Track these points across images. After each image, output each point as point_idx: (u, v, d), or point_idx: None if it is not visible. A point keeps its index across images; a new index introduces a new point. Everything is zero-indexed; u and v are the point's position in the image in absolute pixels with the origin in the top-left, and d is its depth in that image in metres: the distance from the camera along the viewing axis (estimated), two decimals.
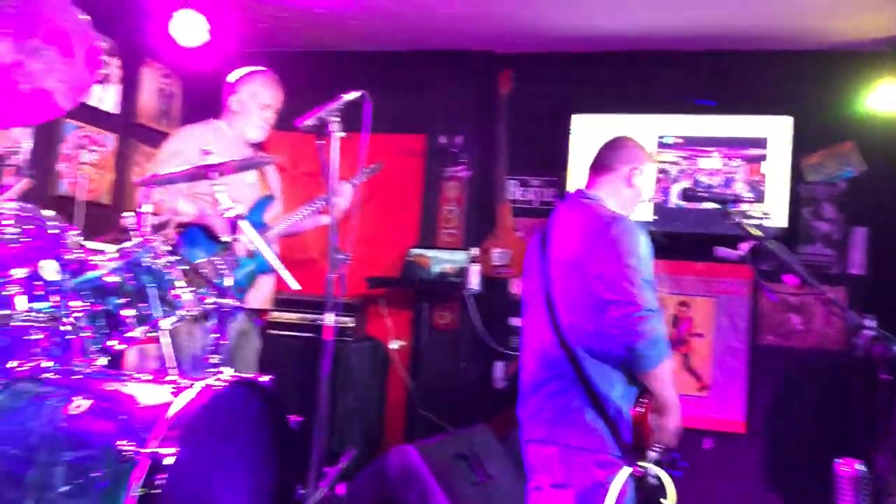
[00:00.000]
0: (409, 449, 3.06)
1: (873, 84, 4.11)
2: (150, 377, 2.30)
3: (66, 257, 1.99)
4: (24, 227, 1.86)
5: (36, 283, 1.88)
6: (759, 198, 4.15)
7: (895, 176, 4.15)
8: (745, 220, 2.54)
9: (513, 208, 4.60)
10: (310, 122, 2.50)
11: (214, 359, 2.38)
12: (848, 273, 4.21)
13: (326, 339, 2.48)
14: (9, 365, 1.97)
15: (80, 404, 1.99)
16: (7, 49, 1.65)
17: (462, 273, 4.41)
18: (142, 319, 2.27)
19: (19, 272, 1.84)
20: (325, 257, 2.42)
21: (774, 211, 4.13)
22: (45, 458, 2.01)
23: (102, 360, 2.28)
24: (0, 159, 2.94)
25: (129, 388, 2.13)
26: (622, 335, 2.15)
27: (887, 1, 3.71)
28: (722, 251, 2.70)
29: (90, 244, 2.29)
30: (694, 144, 4.31)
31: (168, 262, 2.32)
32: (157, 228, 2.41)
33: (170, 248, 2.37)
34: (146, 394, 2.08)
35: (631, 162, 2.47)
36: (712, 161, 4.28)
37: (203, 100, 4.15)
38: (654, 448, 2.31)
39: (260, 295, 3.41)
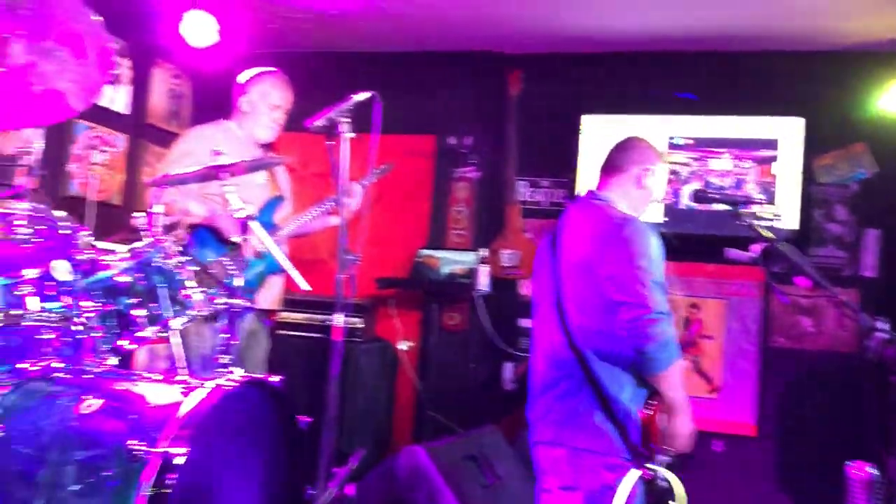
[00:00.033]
0: (418, 450, 3.06)
1: (886, 85, 4.09)
2: (161, 377, 2.31)
3: (78, 258, 2.00)
4: (36, 227, 1.87)
5: (48, 283, 1.89)
6: (771, 199, 4.13)
7: None
8: (757, 222, 2.53)
9: (522, 209, 4.60)
10: (320, 122, 2.50)
11: (224, 359, 2.38)
12: (860, 275, 4.18)
13: (336, 340, 2.48)
14: (20, 365, 1.97)
15: (92, 404, 2.00)
16: (21, 50, 1.66)
17: (471, 274, 4.41)
18: (152, 319, 2.28)
19: (31, 272, 1.85)
20: (335, 258, 2.42)
21: (786, 213, 4.11)
22: (56, 457, 2.02)
23: (113, 360, 2.29)
24: (12, 160, 2.96)
25: (140, 388, 2.13)
26: (632, 337, 2.15)
27: None
28: (733, 253, 2.69)
29: (101, 244, 2.30)
30: (704, 145, 4.30)
31: (179, 263, 2.33)
32: (168, 229, 2.41)
33: (180, 249, 2.37)
34: (157, 393, 2.09)
35: (642, 163, 2.46)
36: (723, 162, 4.26)
37: (213, 100, 4.16)
38: (663, 451, 2.30)
39: (269, 295, 3.41)
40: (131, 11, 4.20)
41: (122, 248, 2.31)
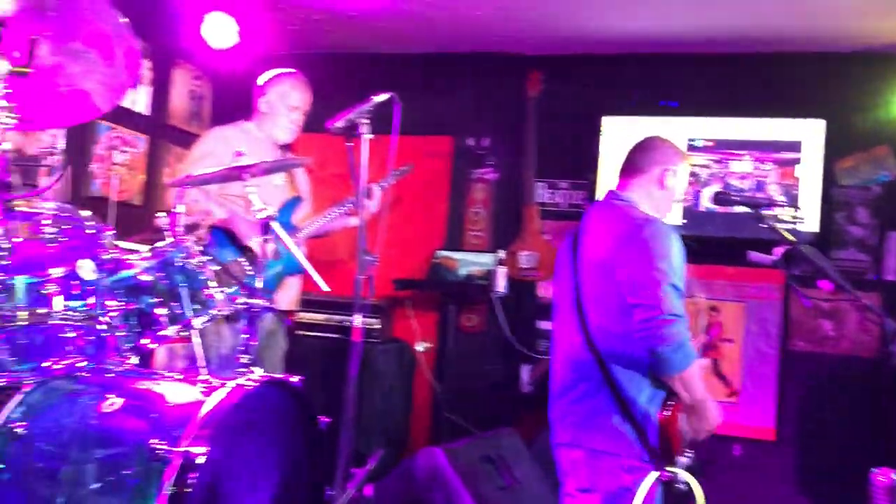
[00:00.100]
0: (436, 451, 3.06)
1: None
2: (182, 376, 2.32)
3: (103, 257, 2.01)
4: (62, 227, 1.89)
5: (73, 282, 1.91)
6: (793, 202, 4.09)
7: None
8: (779, 225, 2.51)
9: (540, 211, 4.59)
10: (340, 123, 2.52)
11: (244, 358, 2.39)
12: (882, 279, 4.14)
13: (355, 341, 2.49)
14: (44, 363, 1.99)
15: (114, 402, 2.02)
16: (48, 51, 1.67)
17: (489, 276, 4.40)
18: (174, 318, 2.29)
19: (57, 271, 1.86)
20: (353, 259, 2.43)
21: (806, 215, 4.08)
22: (77, 455, 2.04)
23: (134, 359, 2.31)
24: (35, 160, 2.99)
25: (161, 387, 2.15)
26: (645, 339, 2.14)
27: None
28: (755, 255, 2.67)
29: (123, 244, 2.32)
30: (725, 147, 4.27)
31: (200, 262, 2.34)
32: (190, 229, 2.43)
33: (202, 248, 2.39)
34: (178, 393, 2.10)
35: (663, 163, 2.44)
36: (743, 164, 4.24)
37: (233, 101, 4.19)
38: (683, 453, 2.28)
39: (287, 296, 3.43)
40: (152, 13, 4.23)
41: (144, 248, 2.32)
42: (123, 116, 4.17)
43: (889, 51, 4.13)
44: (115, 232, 2.16)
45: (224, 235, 3.20)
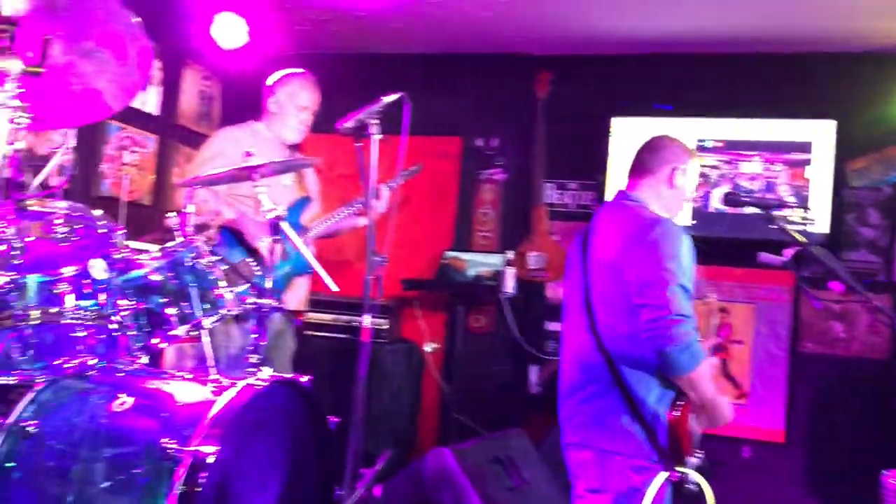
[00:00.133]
0: (444, 451, 3.05)
1: None
2: (192, 376, 2.32)
3: (114, 256, 2.02)
4: (74, 226, 1.90)
5: (84, 281, 1.91)
6: (803, 203, 4.08)
7: None
8: (789, 226, 2.50)
9: (549, 212, 4.58)
10: (350, 124, 2.52)
11: (253, 358, 2.39)
12: (894, 280, 4.11)
13: (363, 341, 2.49)
14: (56, 361, 2.00)
15: (125, 401, 2.02)
16: (60, 50, 1.68)
17: (497, 276, 4.40)
18: (183, 318, 2.30)
19: (69, 270, 1.87)
20: (361, 259, 2.43)
21: (817, 216, 4.06)
22: (87, 454, 2.04)
23: (144, 359, 2.32)
24: (45, 160, 3.00)
25: (172, 387, 2.15)
26: (652, 339, 2.12)
27: None
28: (765, 256, 2.66)
29: (133, 244, 2.32)
30: (734, 148, 4.26)
31: (210, 262, 2.35)
32: (199, 229, 2.43)
33: (211, 248, 2.39)
34: (188, 392, 2.11)
35: (672, 162, 2.42)
36: (753, 165, 4.22)
37: (242, 102, 4.20)
38: (693, 454, 2.28)
39: (296, 296, 3.43)
40: (162, 13, 4.24)
41: (154, 248, 2.33)
42: (133, 116, 4.18)
43: None
44: (125, 232, 2.16)
45: (232, 236, 3.20)
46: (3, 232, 1.57)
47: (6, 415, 2.01)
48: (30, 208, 1.86)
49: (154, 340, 2.27)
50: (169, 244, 2.31)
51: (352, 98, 2.78)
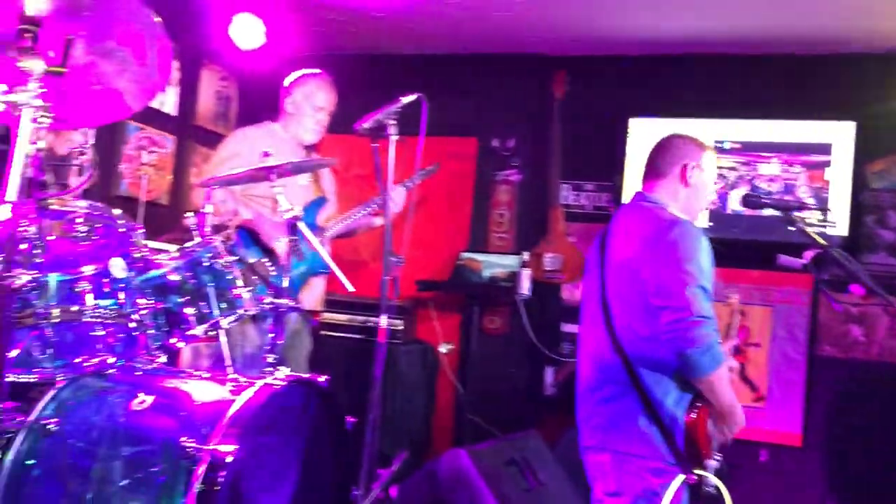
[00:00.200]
0: (460, 453, 3.05)
1: None
2: (210, 375, 2.33)
3: (133, 256, 2.03)
4: (94, 225, 1.91)
5: (103, 280, 1.92)
6: (823, 205, 4.04)
7: None
8: (809, 228, 2.47)
9: (565, 213, 4.56)
10: (368, 124, 2.53)
11: (270, 358, 2.40)
12: None
13: (380, 341, 2.49)
14: (76, 360, 2.01)
15: (145, 400, 2.03)
16: (82, 50, 1.69)
17: (513, 277, 4.39)
18: (201, 318, 2.31)
19: (89, 269, 1.88)
20: (376, 260, 2.44)
21: (836, 218, 4.03)
22: (106, 453, 2.05)
23: (163, 358, 2.33)
24: (65, 159, 3.03)
25: (190, 386, 2.16)
26: (673, 341, 2.11)
27: None
28: (785, 259, 2.64)
29: (152, 244, 2.33)
30: (753, 150, 4.23)
31: (228, 262, 2.35)
32: (217, 229, 2.44)
33: (229, 248, 2.40)
34: (207, 391, 2.12)
35: (683, 160, 2.39)
36: (771, 167, 4.19)
37: (259, 102, 4.21)
38: (712, 456, 2.26)
39: (311, 296, 3.44)
40: (181, 14, 4.26)
41: (172, 248, 2.34)
42: (152, 117, 4.21)
43: None
44: (144, 231, 2.17)
45: (249, 236, 3.22)
46: (25, 231, 1.58)
47: (27, 413, 2.03)
48: (51, 207, 1.87)
49: (172, 340, 2.28)
50: (187, 244, 2.32)
51: (368, 99, 2.78)
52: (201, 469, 1.86)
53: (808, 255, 2.56)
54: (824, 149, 4.11)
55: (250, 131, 3.42)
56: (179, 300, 2.27)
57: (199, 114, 4.64)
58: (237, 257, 2.42)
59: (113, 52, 1.71)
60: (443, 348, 4.61)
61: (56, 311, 1.85)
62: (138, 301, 2.06)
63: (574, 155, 4.52)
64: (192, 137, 4.57)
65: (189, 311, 2.26)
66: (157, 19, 1.68)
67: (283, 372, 2.27)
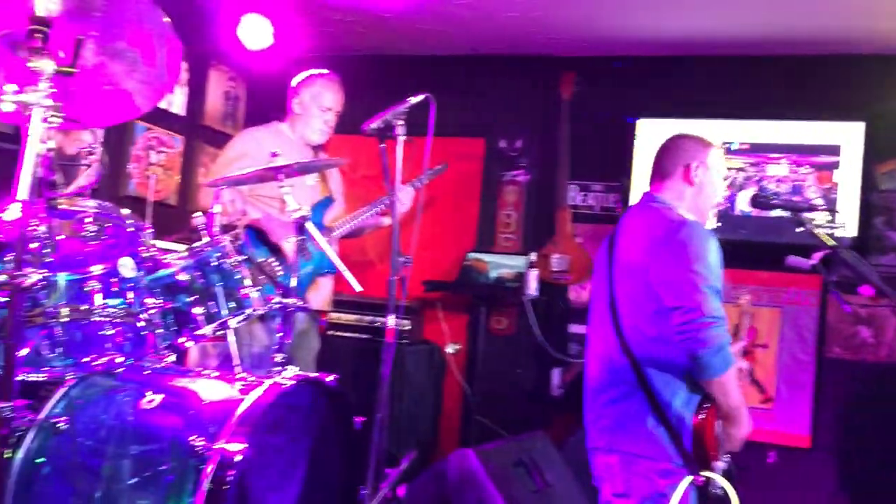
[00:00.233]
0: (468, 453, 3.05)
1: None
2: (218, 374, 2.34)
3: (142, 255, 2.04)
4: (103, 225, 1.92)
5: (112, 279, 1.93)
6: (832, 206, 4.03)
7: None
8: (818, 229, 2.46)
9: (573, 214, 4.56)
10: (375, 124, 2.53)
11: (278, 357, 2.40)
12: None
13: (388, 342, 2.49)
14: (85, 359, 2.02)
15: (153, 399, 2.04)
16: (92, 51, 1.70)
17: (520, 278, 4.38)
18: (210, 317, 2.31)
19: (98, 269, 1.89)
20: (383, 260, 2.45)
21: (845, 220, 4.01)
22: (115, 451, 2.06)
23: (171, 357, 2.34)
24: (74, 159, 3.04)
25: (199, 385, 2.17)
26: (684, 342, 2.10)
27: None
28: (793, 260, 2.63)
29: (160, 244, 2.34)
30: (761, 151, 4.22)
31: (236, 262, 2.36)
32: (226, 229, 2.45)
33: (238, 248, 2.40)
34: (215, 390, 2.12)
35: (686, 159, 2.38)
36: (780, 168, 4.18)
37: (267, 103, 4.23)
38: (720, 458, 2.25)
39: (319, 296, 3.44)
40: (189, 15, 4.28)
41: (180, 248, 2.35)
42: (160, 117, 4.22)
43: None
44: (153, 231, 2.18)
45: (256, 236, 3.22)
46: (35, 230, 1.58)
47: (37, 411, 2.04)
48: (60, 207, 1.88)
49: (181, 339, 2.29)
50: (196, 244, 2.33)
51: (375, 99, 2.79)
52: (210, 468, 1.87)
53: (817, 255, 2.55)
54: (833, 150, 4.10)
55: (257, 132, 3.42)
56: (188, 300, 2.28)
57: (207, 114, 4.65)
58: (245, 257, 2.42)
59: (123, 53, 1.72)
60: (450, 349, 4.61)
61: (65, 311, 1.86)
62: (147, 300, 2.06)
63: (582, 156, 4.51)
64: (200, 137, 4.59)
65: (197, 310, 2.26)
66: (167, 20, 1.69)
67: (292, 371, 2.27)
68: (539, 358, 4.51)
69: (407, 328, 4.34)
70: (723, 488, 2.20)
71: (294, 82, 3.47)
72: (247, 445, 1.91)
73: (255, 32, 4.28)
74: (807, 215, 2.49)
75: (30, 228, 1.55)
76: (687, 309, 2.11)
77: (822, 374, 4.18)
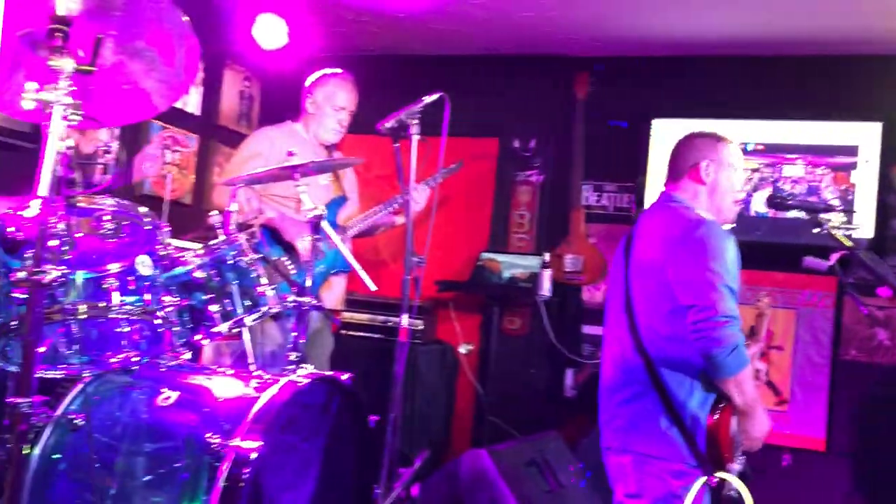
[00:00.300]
0: (481, 453, 3.05)
1: None
2: (234, 371, 2.35)
3: (160, 253, 2.05)
4: (121, 223, 1.93)
5: (129, 277, 1.94)
6: (848, 207, 4.00)
7: None
8: (836, 230, 2.45)
9: (586, 214, 4.55)
10: (390, 124, 2.53)
11: (293, 356, 2.41)
12: None
13: (401, 341, 2.50)
14: (102, 356, 2.03)
15: (170, 396, 2.05)
16: (111, 50, 1.71)
17: (533, 278, 4.37)
18: (225, 315, 2.32)
19: (115, 266, 1.90)
20: (396, 260, 2.45)
21: (861, 221, 3.99)
22: (129, 448, 2.07)
23: (187, 355, 2.35)
24: (90, 158, 3.06)
25: (214, 383, 2.18)
26: (699, 341, 2.10)
27: None
28: (810, 261, 2.61)
29: (176, 242, 2.35)
30: (777, 151, 4.19)
31: (252, 260, 2.37)
32: (241, 227, 2.46)
33: (254, 246, 2.41)
34: (231, 388, 2.13)
35: (697, 158, 2.37)
36: (796, 168, 4.16)
37: (282, 102, 4.23)
38: (734, 460, 2.24)
39: (332, 296, 3.45)
40: (204, 15, 4.29)
41: (196, 246, 2.36)
42: (175, 116, 4.24)
43: None
44: (170, 229, 2.19)
45: (270, 234, 3.23)
46: (54, 227, 1.59)
47: (54, 407, 2.05)
48: (79, 204, 1.89)
49: (196, 337, 2.30)
50: (212, 242, 2.34)
51: (389, 99, 2.79)
52: (225, 465, 1.87)
53: (834, 257, 2.53)
54: (850, 150, 4.07)
55: (271, 131, 3.44)
56: (204, 297, 2.28)
57: (222, 113, 4.67)
58: (261, 255, 2.43)
59: (142, 52, 1.73)
60: (462, 349, 4.61)
61: (83, 308, 1.87)
62: (163, 298, 2.07)
63: (596, 156, 4.50)
64: (215, 137, 4.60)
65: (213, 308, 2.27)
66: (186, 19, 1.69)
67: (307, 369, 2.27)
68: (552, 358, 4.50)
69: (420, 328, 4.34)
70: (737, 490, 2.19)
71: (308, 82, 3.48)
72: (262, 443, 1.91)
73: (270, 32, 4.29)
74: (823, 216, 2.47)
75: (49, 226, 1.56)
76: (701, 307, 2.10)
77: (837, 377, 4.15)
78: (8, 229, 1.77)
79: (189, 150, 4.41)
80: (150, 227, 2.02)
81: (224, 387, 2.15)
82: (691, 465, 2.18)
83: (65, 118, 1.57)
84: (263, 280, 2.36)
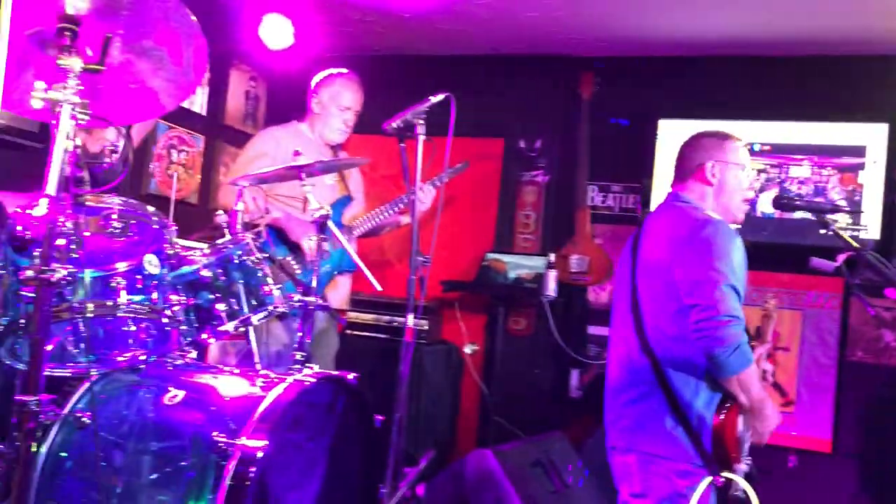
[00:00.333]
0: (486, 453, 3.05)
1: None
2: (240, 371, 2.35)
3: (167, 252, 2.06)
4: (129, 222, 1.93)
5: (136, 276, 1.95)
6: (855, 208, 3.99)
7: None
8: (843, 231, 2.44)
9: (592, 214, 4.54)
10: (396, 124, 2.53)
11: (299, 355, 2.41)
12: None
13: (407, 341, 2.50)
14: (109, 355, 2.04)
15: (176, 395, 2.05)
16: (119, 49, 1.72)
17: (538, 279, 4.37)
18: (231, 315, 2.33)
19: (123, 265, 1.91)
20: (402, 260, 2.44)
21: (868, 222, 3.97)
22: (135, 446, 2.08)
23: (193, 353, 2.35)
24: (97, 157, 3.06)
25: (221, 381, 2.18)
26: (701, 340, 2.10)
27: None
28: (817, 262, 2.60)
29: (182, 242, 2.36)
30: (783, 152, 4.18)
31: (258, 259, 2.37)
32: (247, 227, 2.46)
33: (260, 246, 2.42)
34: (237, 387, 2.13)
35: (702, 159, 2.37)
36: (802, 169, 4.15)
37: (287, 102, 4.24)
38: (741, 460, 2.24)
39: (337, 296, 3.45)
40: (210, 15, 4.29)
41: (203, 246, 2.36)
42: (181, 116, 4.25)
43: None
44: (177, 228, 2.20)
45: (276, 234, 3.24)
46: (63, 226, 1.60)
47: (62, 405, 2.06)
48: (87, 203, 1.90)
49: (203, 336, 2.30)
50: (218, 241, 2.35)
51: (395, 99, 2.79)
52: (232, 464, 1.88)
53: (841, 257, 2.53)
54: (858, 151, 4.06)
55: (276, 131, 3.44)
56: (210, 297, 2.29)
57: (227, 113, 4.67)
58: (267, 255, 2.44)
59: (150, 52, 1.73)
60: (468, 349, 4.61)
61: (90, 306, 1.88)
62: (170, 297, 2.08)
63: (601, 156, 4.49)
64: (220, 137, 4.61)
65: (220, 307, 2.28)
66: (194, 19, 1.70)
67: (313, 369, 2.28)
68: (557, 359, 4.50)
69: (425, 328, 4.34)
70: (744, 491, 2.18)
71: (313, 82, 3.48)
72: (268, 442, 1.91)
73: (276, 32, 4.30)
74: (830, 217, 2.47)
75: (57, 224, 1.56)
76: (704, 307, 2.10)
77: (843, 378, 4.14)
78: (16, 228, 1.77)
79: (195, 150, 4.41)
80: (158, 227, 2.03)
81: (230, 386, 2.15)
82: (697, 464, 2.18)
83: (73, 117, 1.57)
84: (269, 279, 2.37)
